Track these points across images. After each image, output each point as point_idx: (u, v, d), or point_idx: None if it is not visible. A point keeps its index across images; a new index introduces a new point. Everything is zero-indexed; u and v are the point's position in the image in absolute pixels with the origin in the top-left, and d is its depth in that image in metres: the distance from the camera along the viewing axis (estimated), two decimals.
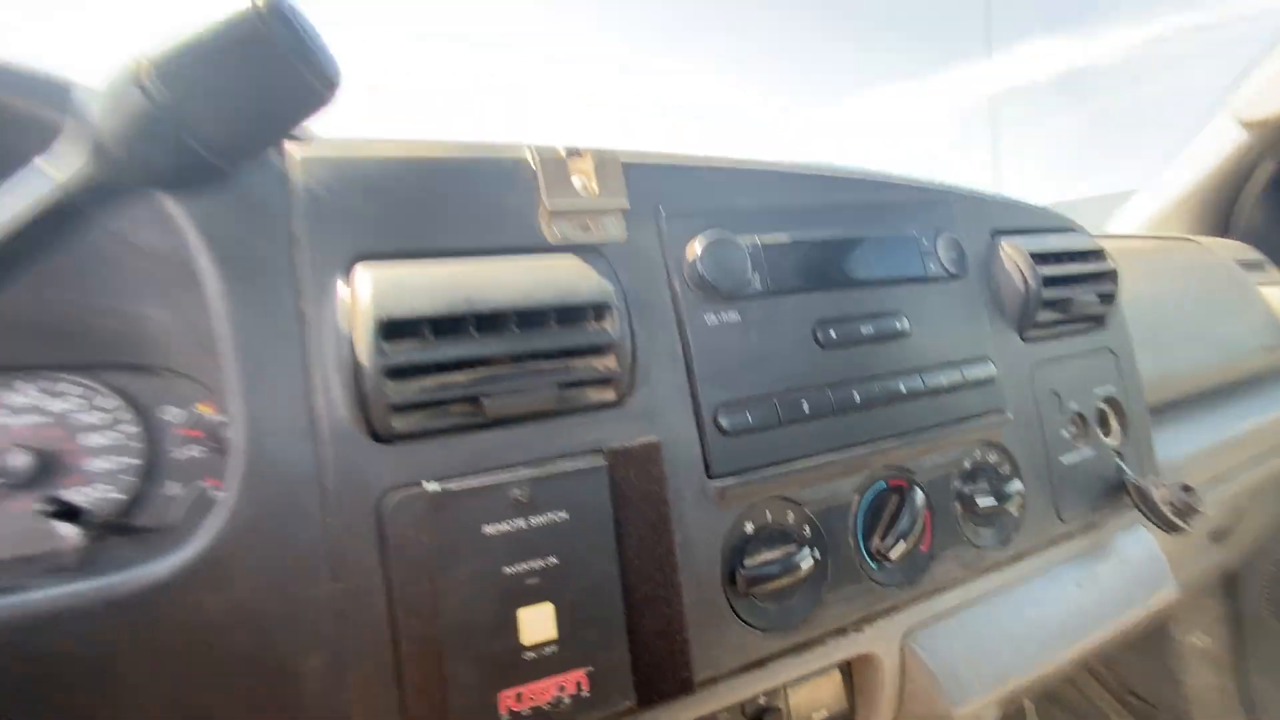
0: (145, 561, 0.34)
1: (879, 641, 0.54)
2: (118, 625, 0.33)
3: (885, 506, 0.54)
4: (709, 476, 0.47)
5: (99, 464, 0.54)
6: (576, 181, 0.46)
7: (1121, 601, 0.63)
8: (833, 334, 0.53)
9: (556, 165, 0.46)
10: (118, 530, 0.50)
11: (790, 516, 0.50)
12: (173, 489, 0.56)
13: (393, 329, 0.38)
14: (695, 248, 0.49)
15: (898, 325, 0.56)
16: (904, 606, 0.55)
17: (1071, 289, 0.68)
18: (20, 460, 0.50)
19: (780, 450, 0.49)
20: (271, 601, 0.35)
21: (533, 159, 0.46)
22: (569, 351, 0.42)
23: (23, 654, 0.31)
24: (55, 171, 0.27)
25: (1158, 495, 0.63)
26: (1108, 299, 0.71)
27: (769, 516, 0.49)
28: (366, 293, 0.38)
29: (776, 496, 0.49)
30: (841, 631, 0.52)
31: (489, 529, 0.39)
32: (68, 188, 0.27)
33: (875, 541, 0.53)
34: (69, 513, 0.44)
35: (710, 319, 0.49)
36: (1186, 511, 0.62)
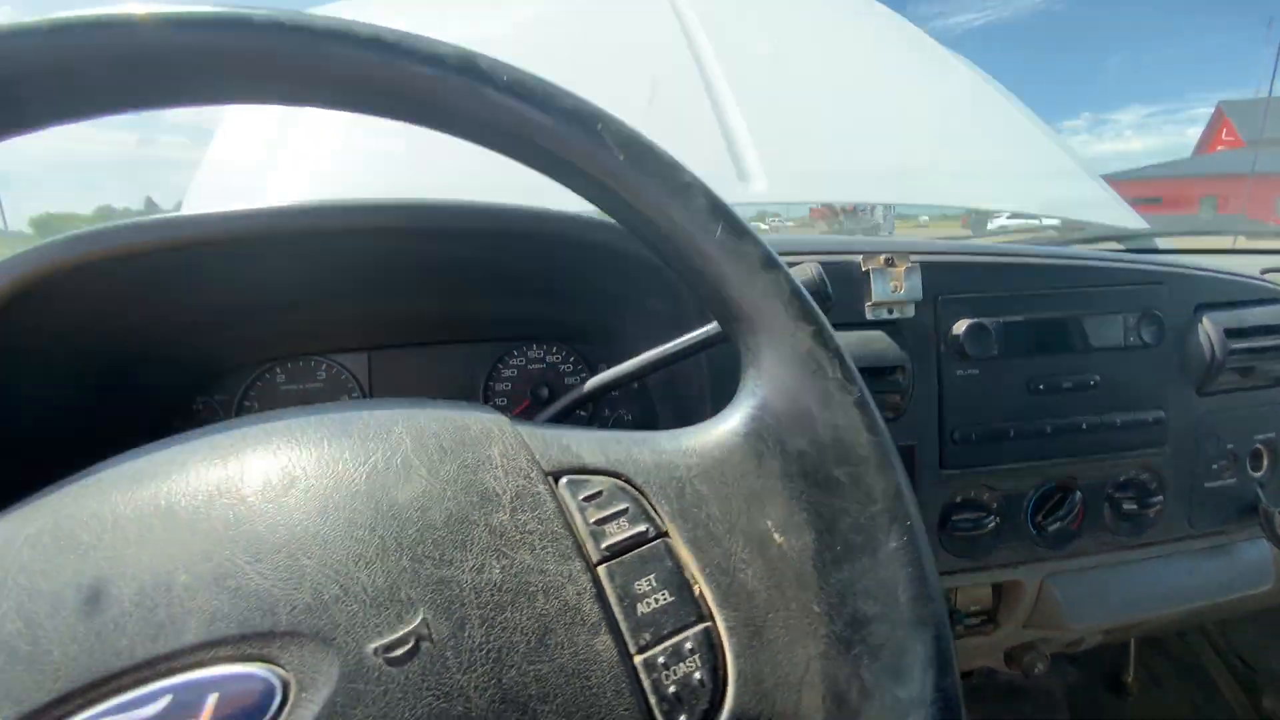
0: None
1: (1027, 575, 0.85)
2: None
3: (1051, 498, 0.83)
4: (941, 467, 0.79)
5: (571, 397, 0.97)
6: (890, 283, 0.75)
7: (1220, 588, 0.88)
8: (1040, 386, 0.79)
9: (881, 272, 0.75)
10: None
11: (986, 496, 0.81)
12: (604, 415, 0.99)
13: None
14: (960, 327, 0.77)
15: (1090, 381, 0.81)
16: (1049, 559, 0.85)
17: (1259, 358, 0.85)
18: (544, 391, 0.94)
19: (990, 458, 0.79)
20: None
21: (865, 265, 0.75)
22: (875, 390, 0.74)
23: None
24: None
25: (1278, 520, 0.84)
26: None
27: (973, 494, 0.80)
28: None
29: (981, 484, 0.80)
30: (1003, 566, 0.84)
31: None
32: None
33: (1039, 519, 0.82)
34: None
35: (959, 372, 0.78)
36: None
